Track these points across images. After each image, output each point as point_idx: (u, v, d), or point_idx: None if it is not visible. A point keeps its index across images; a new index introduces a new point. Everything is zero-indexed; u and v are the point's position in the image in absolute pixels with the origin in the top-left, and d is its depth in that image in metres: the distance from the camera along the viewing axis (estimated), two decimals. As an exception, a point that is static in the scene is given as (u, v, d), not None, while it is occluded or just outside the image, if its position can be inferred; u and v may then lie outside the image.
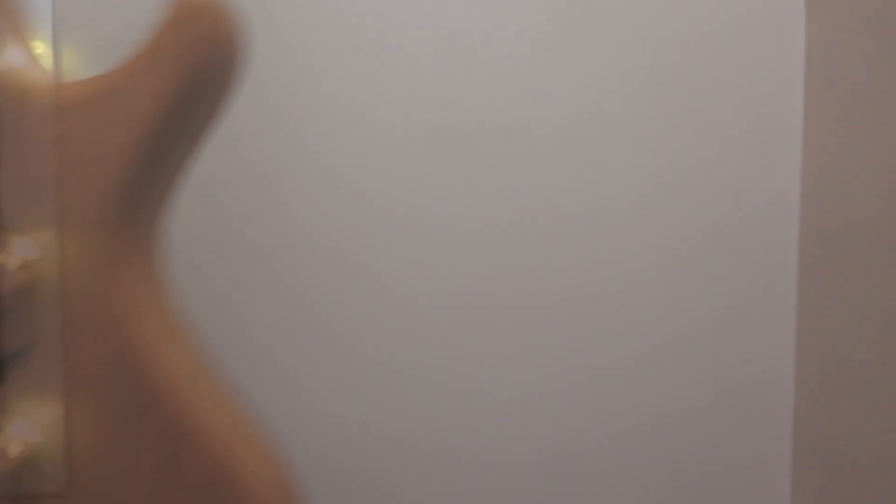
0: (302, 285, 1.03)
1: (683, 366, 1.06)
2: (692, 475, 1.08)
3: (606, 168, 1.03)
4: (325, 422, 1.04)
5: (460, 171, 1.03)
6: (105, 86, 0.51)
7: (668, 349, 1.06)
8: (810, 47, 1.04)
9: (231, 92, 0.51)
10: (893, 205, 0.89)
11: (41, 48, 0.94)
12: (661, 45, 1.03)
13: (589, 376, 1.05)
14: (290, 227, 1.02)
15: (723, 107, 1.04)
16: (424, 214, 1.03)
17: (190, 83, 0.48)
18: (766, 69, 1.05)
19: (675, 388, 1.06)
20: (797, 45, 1.05)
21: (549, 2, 1.01)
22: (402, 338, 1.04)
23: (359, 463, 1.05)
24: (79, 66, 0.66)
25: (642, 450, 1.07)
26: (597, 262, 1.04)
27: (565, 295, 1.05)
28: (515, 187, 1.03)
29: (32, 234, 0.45)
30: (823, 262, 1.02)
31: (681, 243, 1.05)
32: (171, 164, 0.45)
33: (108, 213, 0.46)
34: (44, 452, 0.67)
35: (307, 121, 1.02)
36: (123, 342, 0.46)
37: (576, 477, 1.06)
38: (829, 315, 1.00)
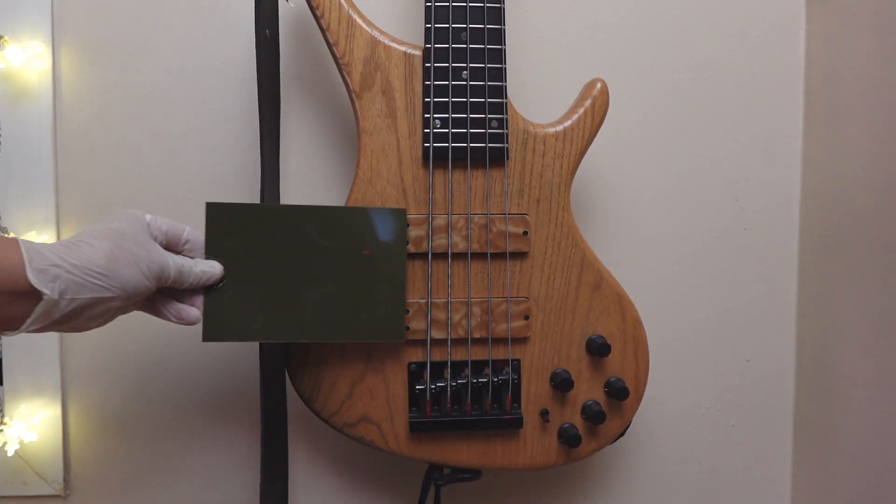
0: None
1: (684, 365, 1.06)
2: (693, 474, 1.08)
3: (606, 168, 1.02)
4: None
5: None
6: (562, 131, 0.86)
7: (669, 349, 1.06)
8: (810, 47, 1.04)
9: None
10: (892, 205, 0.88)
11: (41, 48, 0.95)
12: (661, 45, 1.03)
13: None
14: None
15: (723, 107, 1.04)
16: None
17: (595, 131, 0.87)
18: (766, 69, 1.04)
19: (675, 388, 1.06)
20: (797, 45, 1.05)
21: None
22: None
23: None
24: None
25: (643, 449, 1.07)
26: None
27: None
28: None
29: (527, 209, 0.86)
30: (823, 262, 1.01)
31: (682, 243, 1.05)
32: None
33: (564, 188, 0.86)
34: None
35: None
36: (574, 239, 0.87)
37: (577, 474, 1.06)
38: (829, 315, 1.00)
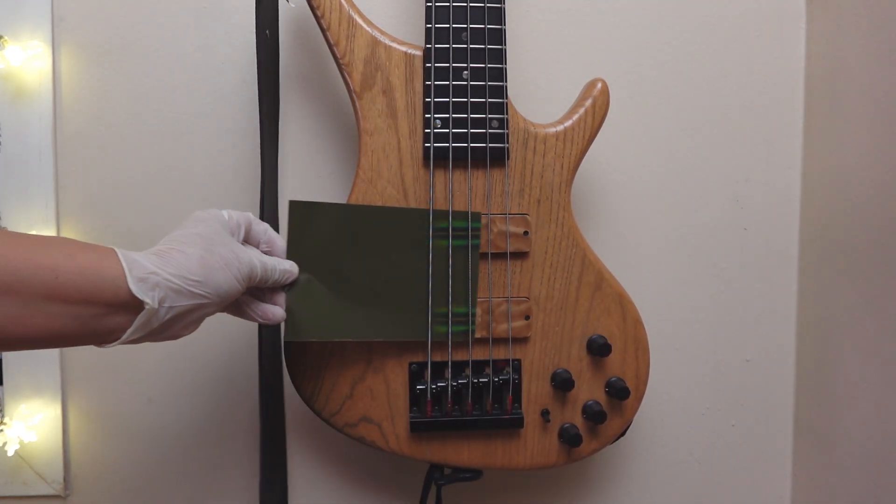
0: None
1: (684, 365, 1.06)
2: (693, 474, 1.08)
3: (606, 168, 1.02)
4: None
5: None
6: (563, 131, 0.86)
7: (669, 349, 1.06)
8: (810, 47, 1.04)
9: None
10: (892, 204, 0.88)
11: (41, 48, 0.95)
12: (662, 45, 1.03)
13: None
14: None
15: (723, 106, 1.04)
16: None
17: (596, 131, 0.87)
18: (767, 69, 1.04)
19: (676, 388, 1.07)
20: (797, 45, 1.05)
21: None
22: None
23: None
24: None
25: (643, 449, 1.07)
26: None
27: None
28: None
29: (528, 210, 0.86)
30: (823, 262, 1.01)
31: (682, 243, 1.05)
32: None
33: (565, 188, 0.86)
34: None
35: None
36: (574, 239, 0.86)
37: (578, 474, 1.06)
38: (829, 315, 1.00)
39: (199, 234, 0.65)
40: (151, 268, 0.59)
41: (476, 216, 0.83)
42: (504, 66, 0.83)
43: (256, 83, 0.85)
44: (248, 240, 0.74)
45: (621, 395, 0.86)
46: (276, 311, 0.74)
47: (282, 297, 0.75)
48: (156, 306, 0.59)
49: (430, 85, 0.82)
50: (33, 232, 0.95)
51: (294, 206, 0.77)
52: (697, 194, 1.05)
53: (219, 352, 1.00)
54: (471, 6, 0.82)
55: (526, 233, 0.85)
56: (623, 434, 0.90)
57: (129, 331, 0.59)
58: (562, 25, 1.01)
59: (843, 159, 0.97)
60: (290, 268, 0.75)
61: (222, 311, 0.70)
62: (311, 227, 0.77)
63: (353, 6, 0.83)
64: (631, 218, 1.04)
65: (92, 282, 0.56)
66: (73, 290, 0.55)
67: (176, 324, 0.62)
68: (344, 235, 0.79)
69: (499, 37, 0.83)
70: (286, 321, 0.76)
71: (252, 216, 0.74)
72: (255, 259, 0.69)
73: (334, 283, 0.78)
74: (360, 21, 0.83)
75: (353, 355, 0.84)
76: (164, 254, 0.61)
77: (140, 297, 0.57)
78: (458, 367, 0.84)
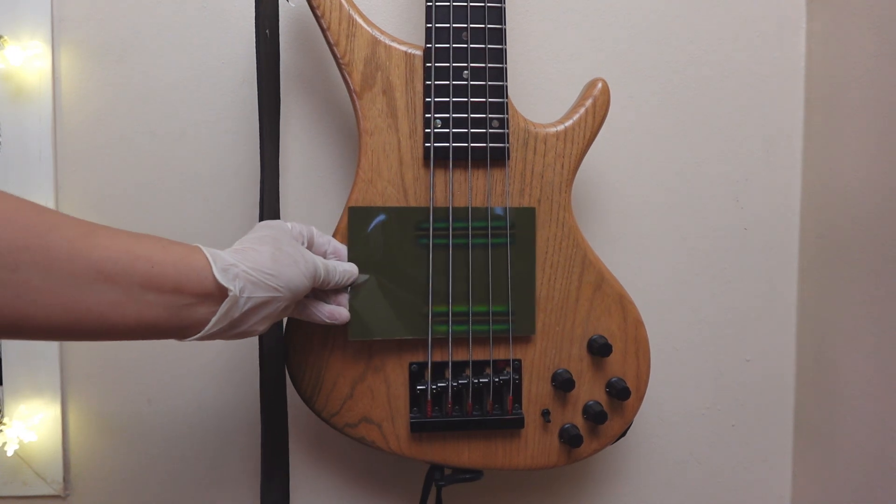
0: None
1: (684, 365, 1.06)
2: (693, 474, 1.08)
3: (605, 168, 1.02)
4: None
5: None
6: (563, 130, 0.86)
7: (669, 349, 1.06)
8: (810, 47, 1.04)
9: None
10: (892, 204, 0.88)
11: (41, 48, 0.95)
12: (662, 44, 1.03)
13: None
14: None
15: (723, 107, 1.04)
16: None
17: (596, 130, 0.87)
18: (767, 69, 1.04)
19: (676, 388, 1.07)
20: (797, 45, 1.05)
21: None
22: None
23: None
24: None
25: (643, 449, 1.07)
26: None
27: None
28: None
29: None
30: (823, 262, 1.01)
31: (682, 243, 1.05)
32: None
33: (565, 187, 0.86)
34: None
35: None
36: (575, 239, 0.86)
37: (578, 474, 1.06)
38: (829, 315, 1.00)
39: (269, 236, 0.70)
40: (232, 261, 0.63)
41: (528, 211, 0.84)
42: (504, 65, 0.83)
43: (256, 83, 0.85)
44: (311, 250, 0.78)
45: (622, 395, 0.86)
46: (342, 311, 0.78)
47: (345, 298, 0.79)
48: (238, 294, 0.63)
49: (430, 85, 0.82)
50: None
51: (352, 211, 0.81)
52: (698, 194, 1.05)
53: (219, 352, 1.00)
54: (471, 6, 0.82)
55: None
56: (623, 434, 0.90)
57: (214, 319, 0.62)
58: (562, 25, 1.01)
59: (843, 159, 0.97)
60: (350, 268, 0.79)
61: (290, 314, 0.75)
62: (368, 230, 0.81)
63: (354, 6, 0.83)
64: (631, 218, 1.04)
65: (183, 272, 0.60)
66: (165, 280, 0.59)
67: (252, 317, 0.66)
68: (398, 236, 0.82)
69: (499, 36, 0.83)
70: (350, 321, 0.79)
71: (315, 229, 0.79)
72: (317, 260, 0.73)
73: (393, 282, 0.81)
74: (360, 20, 0.82)
75: (354, 355, 0.84)
76: (241, 251, 0.66)
77: (225, 284, 0.62)
78: (459, 368, 0.84)
